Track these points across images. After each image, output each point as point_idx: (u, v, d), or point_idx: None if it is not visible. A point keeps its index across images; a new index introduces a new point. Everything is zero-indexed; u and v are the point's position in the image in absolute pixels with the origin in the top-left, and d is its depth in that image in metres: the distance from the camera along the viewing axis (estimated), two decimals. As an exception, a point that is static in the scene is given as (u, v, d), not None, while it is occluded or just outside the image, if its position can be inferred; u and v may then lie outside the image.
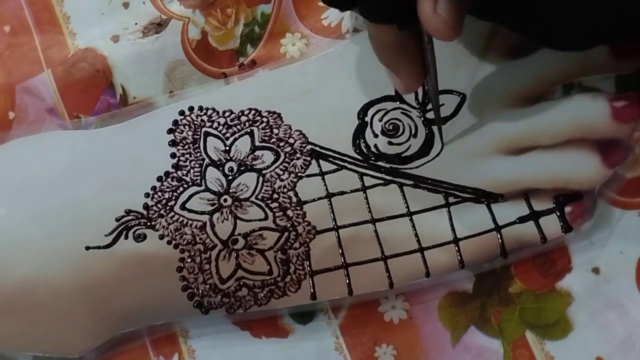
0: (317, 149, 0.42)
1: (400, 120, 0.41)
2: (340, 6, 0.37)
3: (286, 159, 0.41)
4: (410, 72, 0.35)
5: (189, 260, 0.41)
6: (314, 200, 0.41)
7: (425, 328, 0.40)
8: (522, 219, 0.39)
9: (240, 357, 0.42)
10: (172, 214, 0.41)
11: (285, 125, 0.42)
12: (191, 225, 0.41)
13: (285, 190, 0.41)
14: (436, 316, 0.40)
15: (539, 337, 0.39)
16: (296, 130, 0.42)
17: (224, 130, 0.43)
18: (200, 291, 0.40)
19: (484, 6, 0.34)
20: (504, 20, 0.35)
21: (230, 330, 0.42)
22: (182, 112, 0.43)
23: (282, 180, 0.41)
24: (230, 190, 0.41)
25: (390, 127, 0.41)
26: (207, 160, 0.42)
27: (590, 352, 0.38)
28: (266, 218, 0.41)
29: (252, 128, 0.42)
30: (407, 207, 0.40)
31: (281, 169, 0.41)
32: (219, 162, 0.42)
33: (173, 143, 0.43)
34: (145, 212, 0.41)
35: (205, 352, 0.42)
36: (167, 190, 0.42)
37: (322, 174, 0.41)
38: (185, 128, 0.43)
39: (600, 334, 0.38)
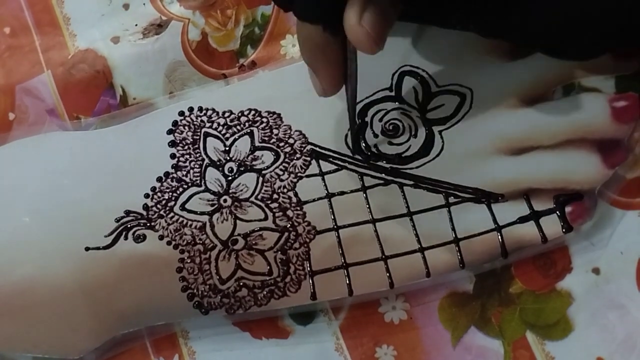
0: (317, 149, 0.42)
1: (400, 121, 0.41)
2: (281, 6, 0.37)
3: (286, 159, 0.41)
4: (329, 76, 0.36)
5: (188, 261, 0.40)
6: (314, 200, 0.41)
7: (426, 329, 0.40)
8: (522, 219, 0.39)
9: (241, 358, 0.42)
10: (172, 214, 0.41)
11: (285, 125, 0.42)
12: (191, 225, 0.41)
13: (285, 190, 0.41)
14: (436, 317, 0.40)
15: (539, 338, 0.39)
16: (296, 131, 0.42)
17: (224, 131, 0.43)
18: (200, 292, 0.40)
19: (488, 24, 0.34)
20: (510, 37, 0.35)
21: (230, 331, 0.42)
22: (181, 113, 0.43)
23: (282, 180, 0.41)
24: (230, 191, 0.41)
25: (390, 127, 0.41)
26: (206, 161, 0.42)
27: (590, 353, 0.38)
28: (266, 218, 0.41)
29: (251, 128, 0.42)
30: (408, 207, 0.40)
31: (281, 169, 0.41)
32: (218, 163, 0.42)
33: (173, 144, 0.43)
34: (144, 213, 0.41)
35: (205, 353, 0.42)
36: (167, 190, 0.42)
37: (322, 174, 0.41)
38: (185, 129, 0.43)
39: (601, 334, 0.38)
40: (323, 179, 0.41)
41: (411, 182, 0.40)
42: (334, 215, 0.40)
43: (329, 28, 0.33)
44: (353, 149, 0.41)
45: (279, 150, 0.42)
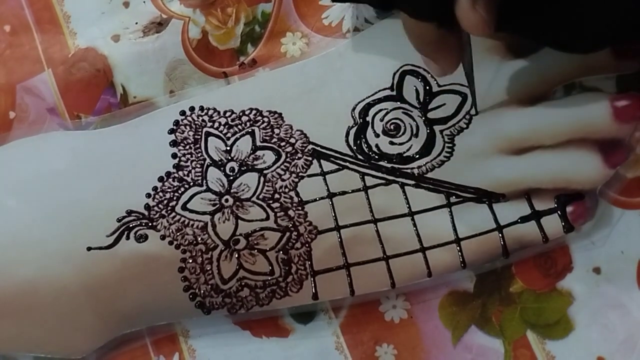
0: (318, 148, 0.42)
1: (401, 120, 0.41)
2: (379, 7, 0.37)
3: (287, 159, 0.41)
4: (448, 59, 0.36)
5: (190, 261, 0.41)
6: (315, 200, 0.41)
7: (426, 327, 0.40)
8: (523, 219, 0.39)
9: (241, 356, 0.42)
10: (174, 214, 0.41)
11: (286, 125, 0.42)
12: (193, 225, 0.41)
13: (287, 190, 0.41)
14: (437, 316, 0.40)
15: (540, 337, 0.39)
16: (297, 130, 0.42)
17: (225, 130, 0.42)
18: (202, 292, 0.40)
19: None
20: (517, 30, 0.35)
21: (230, 330, 0.42)
22: (183, 112, 0.43)
23: (283, 180, 0.41)
24: (232, 191, 0.41)
25: (392, 127, 0.41)
26: (208, 161, 0.42)
27: (591, 352, 0.38)
28: (267, 218, 0.41)
29: (253, 128, 0.42)
30: (409, 207, 0.40)
31: (282, 169, 0.41)
32: (220, 162, 0.42)
33: (174, 143, 0.43)
34: (146, 213, 0.41)
35: (205, 352, 0.42)
36: (169, 190, 0.42)
37: (324, 174, 0.41)
38: (186, 128, 0.43)
39: (602, 334, 0.38)
40: (324, 179, 0.41)
41: (412, 182, 0.40)
42: (335, 215, 0.40)
43: (444, 25, 0.33)
44: (474, 108, 0.41)
45: (280, 149, 0.42)
